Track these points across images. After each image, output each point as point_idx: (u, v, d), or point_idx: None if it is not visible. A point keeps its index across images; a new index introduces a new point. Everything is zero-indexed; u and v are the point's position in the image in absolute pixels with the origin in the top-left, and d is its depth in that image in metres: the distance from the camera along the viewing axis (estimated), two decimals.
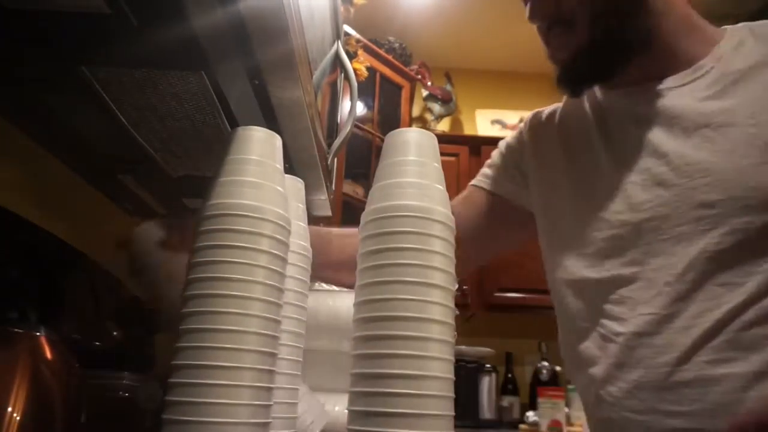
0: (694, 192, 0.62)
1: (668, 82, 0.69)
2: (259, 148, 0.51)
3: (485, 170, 0.93)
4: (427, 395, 0.43)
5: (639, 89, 0.71)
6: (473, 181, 0.93)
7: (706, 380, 0.57)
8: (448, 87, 3.18)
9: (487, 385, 2.48)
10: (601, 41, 0.67)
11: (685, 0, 0.72)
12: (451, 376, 0.46)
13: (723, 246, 0.59)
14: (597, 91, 0.78)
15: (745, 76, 0.65)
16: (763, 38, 0.68)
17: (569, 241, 0.73)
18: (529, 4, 0.72)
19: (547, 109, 0.89)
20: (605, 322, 0.66)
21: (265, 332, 0.47)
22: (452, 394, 0.45)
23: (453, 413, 0.45)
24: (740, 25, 0.71)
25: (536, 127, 0.88)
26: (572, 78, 0.72)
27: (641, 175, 0.67)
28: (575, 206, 0.74)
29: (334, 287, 0.84)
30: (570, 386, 2.21)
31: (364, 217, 0.50)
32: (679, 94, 0.68)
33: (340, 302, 0.75)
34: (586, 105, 0.80)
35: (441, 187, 0.50)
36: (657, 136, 0.68)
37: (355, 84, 1.09)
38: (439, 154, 0.52)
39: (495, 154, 0.94)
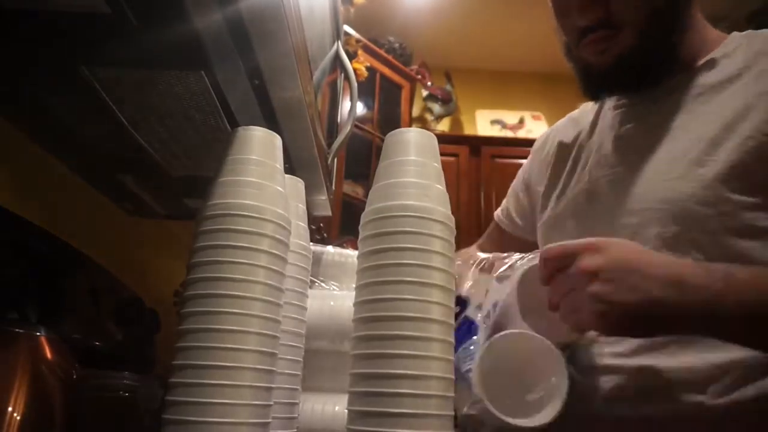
0: (624, 201, 0.68)
1: (647, 98, 0.72)
2: (259, 148, 0.51)
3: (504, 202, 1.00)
4: (428, 395, 0.43)
5: (630, 102, 0.75)
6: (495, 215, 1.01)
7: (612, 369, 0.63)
8: (448, 87, 3.18)
9: None
10: (646, 50, 0.68)
11: (700, 14, 0.73)
12: (452, 375, 0.46)
13: None
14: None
15: (709, 92, 0.67)
16: (747, 49, 0.67)
17: None
18: (577, 3, 0.70)
19: (549, 129, 0.95)
20: None
21: (265, 332, 0.47)
22: (452, 394, 0.45)
23: (453, 413, 0.45)
24: (743, 33, 0.71)
25: (538, 148, 0.94)
26: (606, 83, 0.72)
27: (586, 185, 0.75)
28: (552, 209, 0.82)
29: (335, 287, 0.84)
30: None
31: (364, 217, 0.50)
32: (647, 110, 0.72)
33: (341, 302, 0.75)
34: (582, 118, 0.84)
35: (441, 187, 0.50)
36: (611, 148, 0.74)
37: (355, 84, 1.09)
38: (439, 154, 0.52)
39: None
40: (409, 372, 0.43)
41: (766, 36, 0.67)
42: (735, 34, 0.71)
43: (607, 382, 0.63)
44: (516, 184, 0.97)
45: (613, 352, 0.63)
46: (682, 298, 0.49)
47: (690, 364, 0.58)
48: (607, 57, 0.69)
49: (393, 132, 0.53)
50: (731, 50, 0.68)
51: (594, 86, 0.74)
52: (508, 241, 0.94)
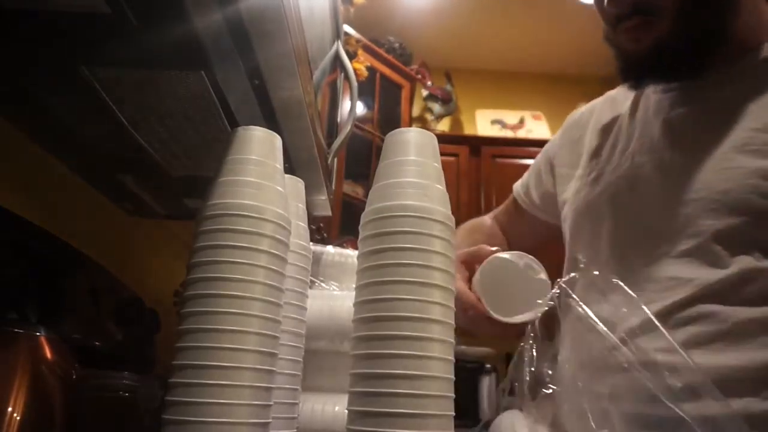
0: (674, 190, 0.65)
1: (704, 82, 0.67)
2: (259, 148, 0.51)
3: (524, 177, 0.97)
4: (428, 395, 0.43)
5: (682, 85, 0.70)
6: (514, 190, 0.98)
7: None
8: (448, 87, 3.18)
9: (487, 385, 2.47)
10: (687, 34, 0.63)
11: None
12: (452, 376, 0.45)
13: (685, 246, 0.62)
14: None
15: None
16: None
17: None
18: None
19: (584, 107, 0.90)
20: None
21: (265, 332, 0.47)
22: (452, 394, 0.45)
23: (453, 413, 0.45)
24: None
25: (569, 126, 0.90)
26: (646, 71, 0.68)
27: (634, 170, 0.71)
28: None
29: (335, 287, 0.84)
30: None
31: (364, 217, 0.50)
32: (700, 93, 0.67)
33: (341, 302, 0.75)
34: (624, 98, 0.79)
35: (441, 187, 0.50)
36: (659, 133, 0.70)
37: (355, 84, 1.09)
38: (439, 153, 0.52)
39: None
40: (409, 372, 0.43)
41: None
42: None
43: (651, 379, 0.60)
44: (539, 160, 0.93)
45: (656, 348, 0.59)
46: None
47: (740, 363, 0.55)
48: (643, 45, 0.65)
49: (393, 132, 0.53)
50: None
51: (633, 74, 0.70)
52: (524, 219, 0.93)
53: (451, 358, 0.46)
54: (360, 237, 0.50)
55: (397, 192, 0.48)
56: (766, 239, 0.58)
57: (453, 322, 0.47)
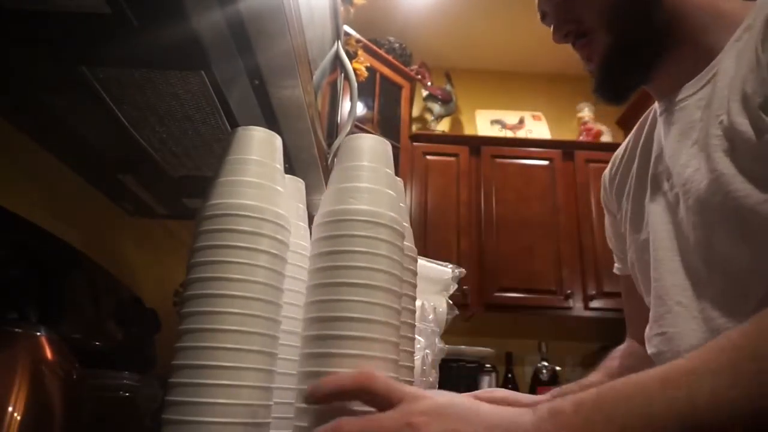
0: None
1: (682, 92, 0.68)
2: (259, 148, 0.51)
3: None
4: None
5: (664, 103, 0.72)
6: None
7: None
8: (448, 87, 3.18)
9: (487, 385, 2.47)
10: (620, 45, 0.68)
11: None
12: (395, 374, 0.47)
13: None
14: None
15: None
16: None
17: None
18: (552, 26, 0.73)
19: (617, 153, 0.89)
20: None
21: (265, 332, 0.47)
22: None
23: None
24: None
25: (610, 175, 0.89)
26: (606, 86, 0.73)
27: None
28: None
29: None
30: None
31: (316, 220, 0.52)
32: (686, 107, 0.66)
33: None
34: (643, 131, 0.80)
35: (391, 192, 0.51)
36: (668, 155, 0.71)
37: (355, 84, 1.09)
38: (392, 159, 0.54)
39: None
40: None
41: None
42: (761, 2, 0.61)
43: None
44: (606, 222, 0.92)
45: None
46: None
47: None
48: (595, 61, 0.70)
49: (349, 137, 0.54)
50: (747, 25, 0.60)
51: (602, 91, 0.73)
52: (636, 294, 0.81)
53: (395, 357, 0.48)
54: (312, 238, 0.51)
55: (348, 196, 0.50)
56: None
57: (396, 322, 0.49)
